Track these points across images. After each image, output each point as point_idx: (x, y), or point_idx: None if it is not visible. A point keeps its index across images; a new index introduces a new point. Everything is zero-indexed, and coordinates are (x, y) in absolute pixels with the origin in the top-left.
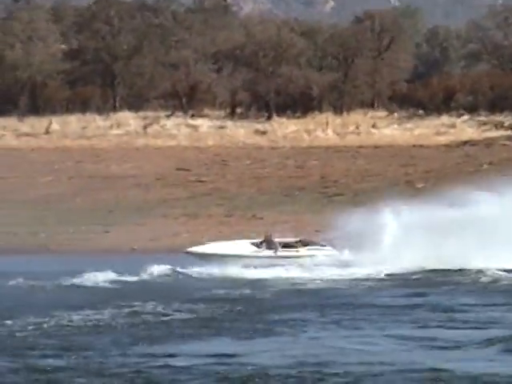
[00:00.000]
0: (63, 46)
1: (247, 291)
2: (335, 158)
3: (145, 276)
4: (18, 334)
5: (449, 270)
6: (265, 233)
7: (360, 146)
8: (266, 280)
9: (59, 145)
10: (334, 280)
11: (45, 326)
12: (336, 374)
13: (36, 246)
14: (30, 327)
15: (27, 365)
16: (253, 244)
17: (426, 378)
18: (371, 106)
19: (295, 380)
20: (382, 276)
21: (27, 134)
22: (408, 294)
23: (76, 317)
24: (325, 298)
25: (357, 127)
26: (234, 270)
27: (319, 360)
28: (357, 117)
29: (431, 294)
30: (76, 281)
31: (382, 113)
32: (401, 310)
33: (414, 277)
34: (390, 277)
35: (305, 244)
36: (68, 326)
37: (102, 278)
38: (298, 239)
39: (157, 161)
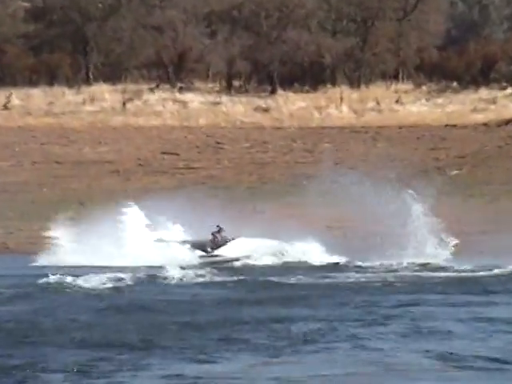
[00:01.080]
0: (25, 5)
1: None
2: (351, 139)
3: None
4: None
5: None
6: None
7: (381, 126)
8: None
9: (21, 123)
10: None
11: None
12: None
13: None
14: None
15: None
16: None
17: None
18: (395, 77)
19: None
20: None
21: None
22: None
23: None
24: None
25: (377, 103)
26: None
27: None
28: (377, 91)
29: None
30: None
31: (407, 86)
32: None
33: None
34: None
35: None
36: None
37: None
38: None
39: (138, 143)
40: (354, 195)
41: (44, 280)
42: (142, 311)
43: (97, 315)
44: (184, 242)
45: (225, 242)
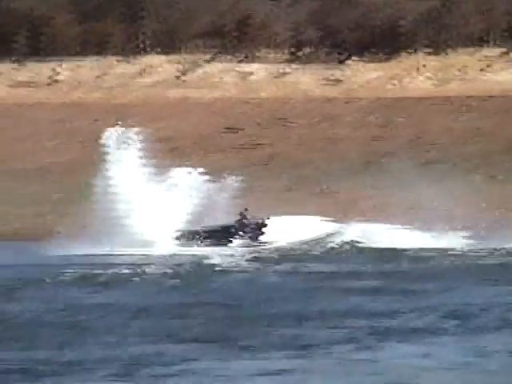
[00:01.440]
0: None
1: None
2: (432, 112)
3: None
4: None
5: None
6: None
7: (465, 97)
8: None
9: (68, 99)
10: None
11: None
12: None
13: (41, 230)
14: None
15: None
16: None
17: None
18: (482, 41)
19: None
20: None
21: (26, 84)
22: None
23: None
24: None
25: (461, 71)
26: None
27: None
28: (462, 57)
29: None
30: None
31: (496, 51)
32: None
33: None
34: None
35: None
36: None
37: None
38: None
39: (197, 119)
40: (436, 174)
41: (91, 271)
42: (211, 304)
43: (166, 308)
44: (205, 232)
45: (257, 224)
